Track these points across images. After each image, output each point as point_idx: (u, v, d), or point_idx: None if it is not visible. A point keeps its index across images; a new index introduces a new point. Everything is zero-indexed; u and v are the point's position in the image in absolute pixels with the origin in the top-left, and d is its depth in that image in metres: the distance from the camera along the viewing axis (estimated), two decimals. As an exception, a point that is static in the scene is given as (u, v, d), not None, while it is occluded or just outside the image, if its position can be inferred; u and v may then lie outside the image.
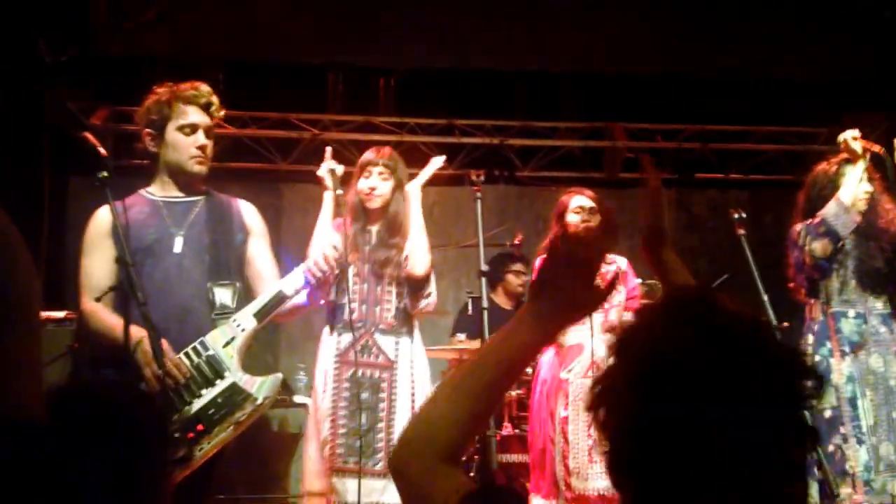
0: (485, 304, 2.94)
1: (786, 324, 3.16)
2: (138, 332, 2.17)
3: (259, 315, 2.38)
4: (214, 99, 2.49)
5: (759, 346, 0.81)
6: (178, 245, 2.41)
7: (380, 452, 2.83)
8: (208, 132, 2.47)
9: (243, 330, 2.36)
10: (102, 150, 2.14)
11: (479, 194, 3.07)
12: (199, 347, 2.31)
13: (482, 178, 3.17)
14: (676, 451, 0.78)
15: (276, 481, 4.54)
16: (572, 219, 3.29)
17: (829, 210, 3.02)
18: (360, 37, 5.04)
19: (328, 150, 3.01)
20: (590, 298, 0.98)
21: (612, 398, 0.84)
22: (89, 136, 2.17)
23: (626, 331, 0.87)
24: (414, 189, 3.05)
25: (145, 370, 2.19)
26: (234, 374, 2.31)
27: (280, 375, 2.43)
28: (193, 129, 2.43)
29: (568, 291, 0.96)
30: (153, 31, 4.48)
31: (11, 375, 0.39)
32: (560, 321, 0.99)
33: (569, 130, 5.79)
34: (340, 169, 2.94)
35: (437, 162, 3.13)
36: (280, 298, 2.42)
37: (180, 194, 2.49)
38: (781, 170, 5.86)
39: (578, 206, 3.31)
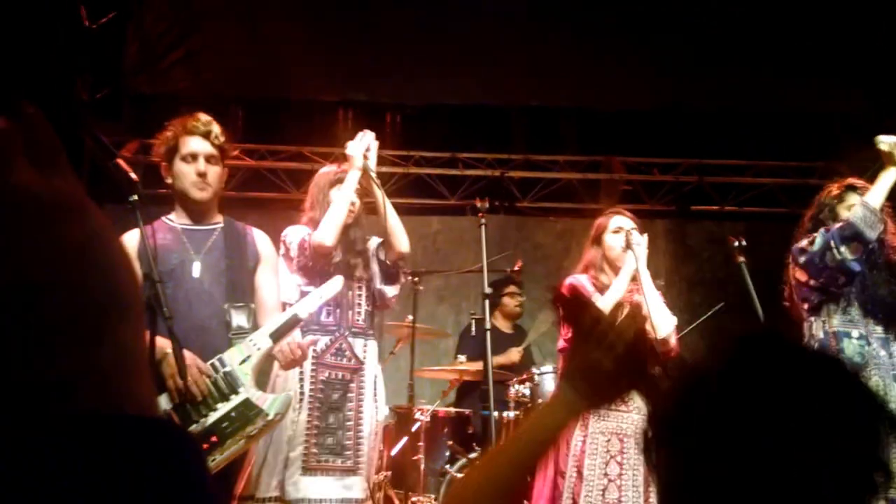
0: (488, 325, 3.04)
1: None
2: (164, 346, 2.24)
3: (274, 335, 2.48)
4: (214, 127, 2.58)
5: (839, 386, 0.77)
6: (196, 269, 2.54)
7: (349, 451, 2.91)
8: (209, 159, 2.57)
9: (259, 349, 2.46)
10: (134, 176, 2.19)
11: (483, 220, 3.13)
12: (216, 364, 2.41)
13: (486, 205, 3.23)
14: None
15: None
16: (611, 240, 3.16)
17: (856, 213, 2.94)
18: (369, 76, 5.31)
19: (369, 133, 3.01)
20: (625, 383, 0.97)
21: (679, 440, 0.78)
22: (122, 163, 2.21)
23: (689, 372, 0.81)
24: (371, 172, 3.03)
25: (168, 382, 2.29)
26: (248, 391, 2.39)
27: (291, 393, 2.56)
28: (194, 157, 2.56)
29: (602, 376, 0.95)
30: (180, 70, 4.79)
31: (132, 365, 0.40)
32: (593, 404, 0.98)
33: (568, 163, 5.98)
34: (374, 147, 3.00)
35: (369, 137, 3.05)
36: (295, 321, 2.50)
37: (198, 221, 2.62)
38: (778, 203, 5.96)
39: (618, 226, 3.17)
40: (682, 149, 5.99)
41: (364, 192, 3.11)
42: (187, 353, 2.29)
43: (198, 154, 2.58)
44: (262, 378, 2.58)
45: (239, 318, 2.52)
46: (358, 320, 3.06)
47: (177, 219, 2.65)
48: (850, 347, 2.97)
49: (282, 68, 5.13)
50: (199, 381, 2.37)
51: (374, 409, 3.03)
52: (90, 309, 0.39)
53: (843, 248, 2.95)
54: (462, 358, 4.69)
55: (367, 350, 3.07)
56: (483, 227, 3.15)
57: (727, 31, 5.21)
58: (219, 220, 2.69)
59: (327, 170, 3.23)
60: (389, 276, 3.11)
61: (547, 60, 5.38)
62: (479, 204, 3.24)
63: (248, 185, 5.72)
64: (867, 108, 5.30)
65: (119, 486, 0.37)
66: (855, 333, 2.99)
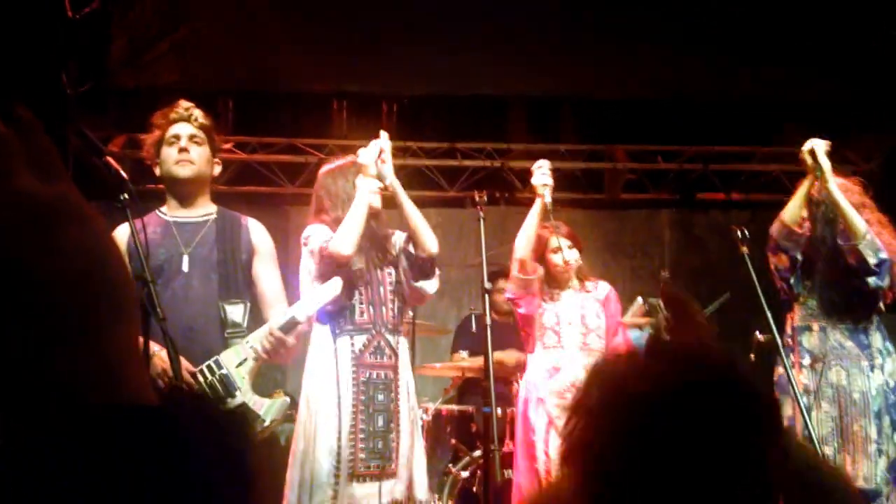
0: (488, 320, 2.98)
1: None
2: (151, 346, 2.22)
3: None
4: (196, 111, 2.63)
5: (730, 402, 0.83)
6: (185, 264, 2.51)
7: (394, 453, 2.84)
8: (191, 138, 2.59)
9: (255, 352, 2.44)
10: (123, 174, 2.17)
11: (481, 214, 3.13)
12: (213, 366, 2.40)
13: (484, 198, 3.23)
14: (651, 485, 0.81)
15: (282, 492, 4.65)
16: (551, 257, 3.44)
17: (773, 227, 3.22)
18: (363, 65, 5.22)
19: (383, 137, 2.88)
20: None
21: (588, 433, 0.86)
22: (111, 160, 2.20)
23: (605, 371, 0.90)
24: (392, 176, 2.93)
25: (156, 381, 2.26)
26: (245, 395, 2.39)
27: (288, 399, 2.52)
28: (177, 138, 2.58)
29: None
30: (167, 63, 4.69)
31: (129, 363, 0.43)
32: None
33: (569, 153, 5.91)
34: (389, 148, 2.86)
35: (383, 141, 2.93)
36: (293, 324, 2.45)
37: (189, 212, 2.60)
38: (783, 189, 5.96)
39: (556, 246, 3.44)
40: (687, 136, 5.93)
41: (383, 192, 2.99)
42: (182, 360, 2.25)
43: (180, 135, 2.59)
44: (258, 377, 2.51)
45: (234, 315, 2.49)
46: (392, 317, 2.97)
47: (168, 211, 2.63)
48: (809, 340, 3.15)
49: (272, 59, 5.04)
50: (192, 384, 2.34)
51: (408, 409, 2.93)
52: (87, 309, 0.42)
53: (773, 259, 3.23)
54: (463, 353, 4.62)
55: (400, 346, 2.97)
56: (482, 220, 3.11)
57: (729, 17, 5.15)
58: (211, 211, 2.64)
59: (331, 165, 3.06)
60: (423, 272, 2.97)
61: (546, 48, 5.32)
62: (477, 197, 3.23)
63: (240, 179, 5.61)
64: (872, 96, 5.26)
65: (121, 484, 0.38)
66: (815, 326, 3.15)
